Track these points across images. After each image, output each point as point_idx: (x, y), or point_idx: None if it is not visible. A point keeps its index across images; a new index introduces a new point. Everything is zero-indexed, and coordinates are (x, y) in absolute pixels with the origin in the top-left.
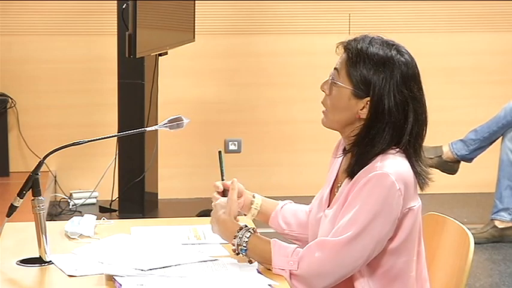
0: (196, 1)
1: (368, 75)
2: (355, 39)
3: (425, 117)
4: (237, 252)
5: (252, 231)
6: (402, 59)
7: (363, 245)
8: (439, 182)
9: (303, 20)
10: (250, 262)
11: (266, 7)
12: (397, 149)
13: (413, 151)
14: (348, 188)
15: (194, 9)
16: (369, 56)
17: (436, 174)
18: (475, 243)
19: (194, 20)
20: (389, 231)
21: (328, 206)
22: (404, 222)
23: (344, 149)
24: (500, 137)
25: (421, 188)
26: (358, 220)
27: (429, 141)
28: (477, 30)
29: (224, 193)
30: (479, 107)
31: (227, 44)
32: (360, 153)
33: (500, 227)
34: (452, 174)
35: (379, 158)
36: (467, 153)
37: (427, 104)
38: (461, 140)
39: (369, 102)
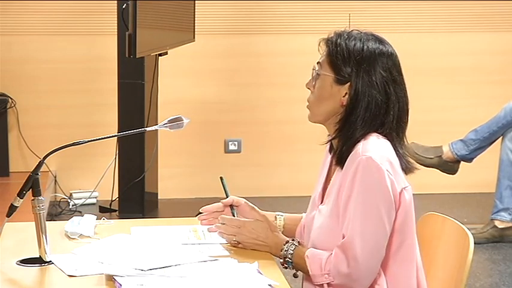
0: (196, 1)
1: (348, 64)
2: (334, 34)
3: (407, 101)
4: (284, 266)
5: (297, 243)
6: (381, 47)
7: (378, 231)
8: (439, 182)
9: (303, 20)
10: (296, 276)
11: (266, 7)
12: (380, 134)
13: (396, 134)
14: (339, 178)
15: (194, 9)
16: (348, 46)
17: (436, 174)
18: (475, 243)
19: (194, 20)
20: (393, 211)
21: (322, 202)
22: (402, 202)
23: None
24: (500, 137)
25: (405, 172)
26: (364, 216)
27: (429, 141)
28: (477, 30)
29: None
30: (479, 107)
31: (227, 44)
32: (344, 138)
33: (500, 227)
34: (452, 174)
35: (361, 142)
36: (467, 153)
37: (407, 90)
38: (461, 140)
39: (349, 88)
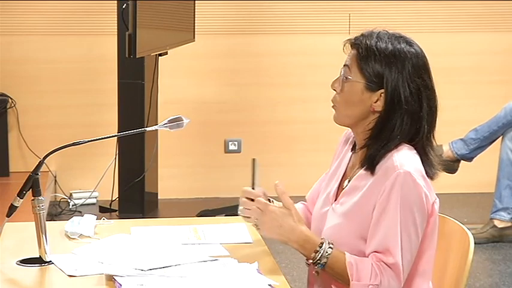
0: (196, 1)
1: (380, 69)
2: (362, 35)
3: (436, 105)
4: (308, 264)
5: (332, 246)
6: (412, 49)
7: (414, 247)
8: (439, 182)
9: (303, 20)
10: (317, 273)
11: (266, 7)
12: (411, 144)
13: (426, 139)
14: (368, 185)
15: (194, 9)
16: (379, 49)
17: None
18: (475, 243)
19: (194, 20)
20: (424, 226)
21: (336, 200)
22: (432, 215)
23: (354, 145)
24: (500, 137)
25: (431, 178)
26: (403, 234)
27: None
28: (477, 30)
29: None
30: (479, 107)
31: (227, 44)
32: (378, 145)
33: (499, 226)
34: (452, 173)
35: (394, 153)
36: (467, 152)
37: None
38: (461, 139)
39: (383, 94)
